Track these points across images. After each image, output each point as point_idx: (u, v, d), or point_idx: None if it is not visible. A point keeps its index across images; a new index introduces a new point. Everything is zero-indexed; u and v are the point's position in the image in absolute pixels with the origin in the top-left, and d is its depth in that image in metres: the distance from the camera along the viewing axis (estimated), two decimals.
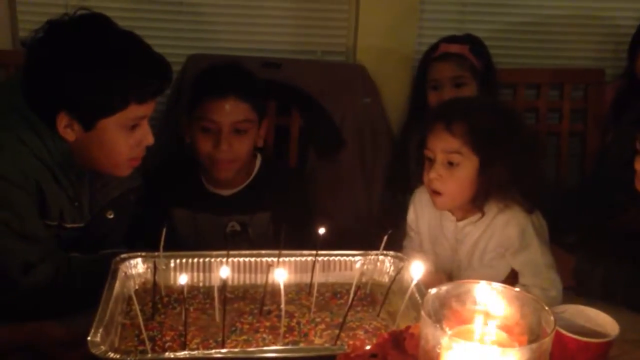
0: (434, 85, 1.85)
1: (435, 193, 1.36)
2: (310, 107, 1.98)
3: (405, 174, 1.85)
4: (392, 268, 1.30)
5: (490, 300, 0.89)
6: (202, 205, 1.70)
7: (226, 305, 1.14)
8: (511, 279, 1.38)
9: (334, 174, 1.98)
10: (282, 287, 1.08)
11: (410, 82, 2.04)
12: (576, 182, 2.12)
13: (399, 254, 1.33)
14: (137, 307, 1.08)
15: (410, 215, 1.52)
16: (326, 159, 1.99)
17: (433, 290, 0.88)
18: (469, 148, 1.31)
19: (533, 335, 0.85)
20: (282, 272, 1.09)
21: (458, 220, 1.43)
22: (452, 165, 1.32)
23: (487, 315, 0.88)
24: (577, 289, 1.41)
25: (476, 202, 1.37)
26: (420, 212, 1.49)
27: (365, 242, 1.36)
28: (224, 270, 1.09)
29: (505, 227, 1.37)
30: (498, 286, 0.90)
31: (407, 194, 1.61)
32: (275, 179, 1.72)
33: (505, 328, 0.87)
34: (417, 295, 1.14)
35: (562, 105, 2.15)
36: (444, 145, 1.32)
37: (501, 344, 0.85)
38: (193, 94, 1.67)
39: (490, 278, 1.30)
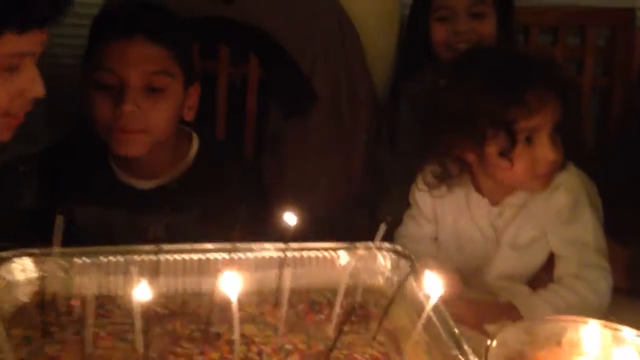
0: (442, 16, 1.53)
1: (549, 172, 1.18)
2: (272, 52, 1.70)
3: (396, 134, 1.64)
4: (389, 265, 1.04)
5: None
6: (113, 202, 1.30)
7: (154, 327, 0.88)
8: (545, 270, 1.21)
9: (303, 137, 1.71)
10: (234, 302, 0.76)
11: (398, 21, 1.74)
12: (595, 146, 1.89)
13: (398, 248, 1.05)
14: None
15: (425, 200, 1.29)
16: (293, 118, 1.71)
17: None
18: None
19: None
20: (233, 279, 0.77)
21: (493, 204, 1.24)
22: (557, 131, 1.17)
23: None
24: (632, 291, 1.19)
25: None
26: (439, 199, 1.27)
27: (345, 229, 1.17)
28: (142, 288, 0.74)
29: (554, 192, 1.19)
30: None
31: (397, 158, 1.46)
32: (217, 169, 1.33)
33: None
34: (434, 318, 0.85)
35: (584, 53, 1.90)
36: (555, 113, 1.14)
37: None
38: (88, 41, 1.27)
39: (524, 266, 1.21)
